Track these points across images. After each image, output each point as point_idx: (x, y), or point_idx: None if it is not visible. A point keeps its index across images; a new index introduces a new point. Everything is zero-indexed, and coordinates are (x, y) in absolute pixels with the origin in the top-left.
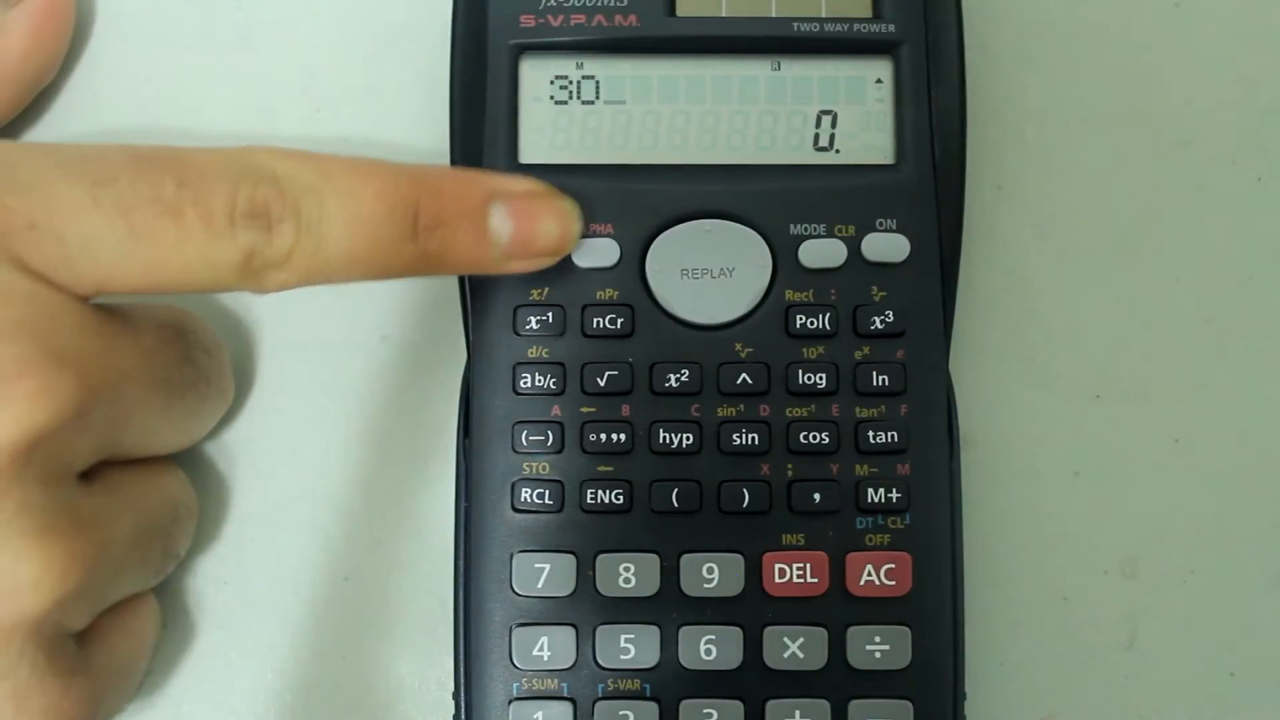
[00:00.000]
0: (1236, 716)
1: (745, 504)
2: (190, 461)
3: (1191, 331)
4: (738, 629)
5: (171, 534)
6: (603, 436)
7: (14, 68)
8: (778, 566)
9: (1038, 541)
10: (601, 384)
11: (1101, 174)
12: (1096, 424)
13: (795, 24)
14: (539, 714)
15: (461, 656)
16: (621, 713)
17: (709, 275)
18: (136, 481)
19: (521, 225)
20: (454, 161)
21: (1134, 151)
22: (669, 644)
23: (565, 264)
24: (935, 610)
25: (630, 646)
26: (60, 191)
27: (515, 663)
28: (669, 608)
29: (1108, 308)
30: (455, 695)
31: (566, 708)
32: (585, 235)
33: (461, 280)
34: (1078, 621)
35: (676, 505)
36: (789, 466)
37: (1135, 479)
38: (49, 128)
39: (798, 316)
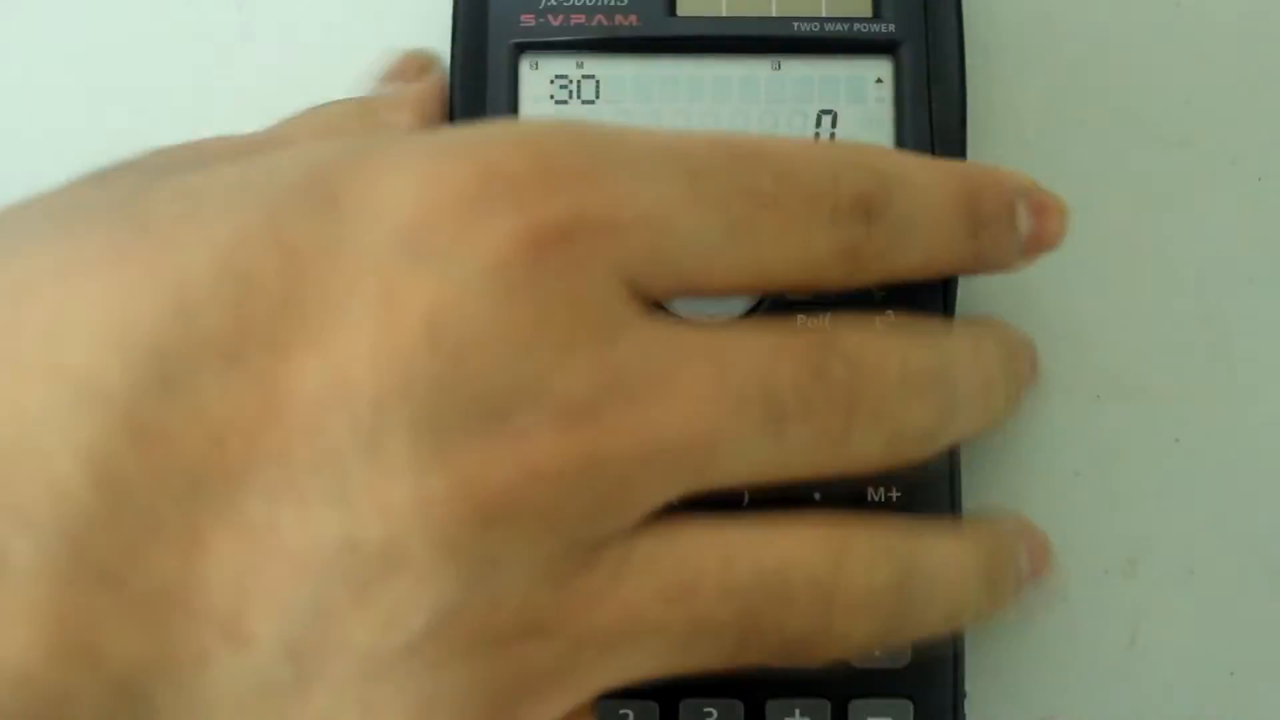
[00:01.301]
0: (1236, 716)
1: (744, 503)
2: None
3: (1191, 331)
4: None
5: None
6: None
7: None
8: None
9: None
10: None
11: (1102, 174)
12: (1096, 424)
13: (795, 23)
14: None
15: None
16: (621, 712)
17: None
18: None
19: (1039, 222)
20: None
21: (1134, 151)
22: None
23: None
24: None
25: None
26: (661, 184)
27: None
28: None
29: (1108, 308)
30: None
31: None
32: None
33: None
34: (1078, 621)
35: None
36: None
37: (1135, 479)
38: None
39: (798, 316)
